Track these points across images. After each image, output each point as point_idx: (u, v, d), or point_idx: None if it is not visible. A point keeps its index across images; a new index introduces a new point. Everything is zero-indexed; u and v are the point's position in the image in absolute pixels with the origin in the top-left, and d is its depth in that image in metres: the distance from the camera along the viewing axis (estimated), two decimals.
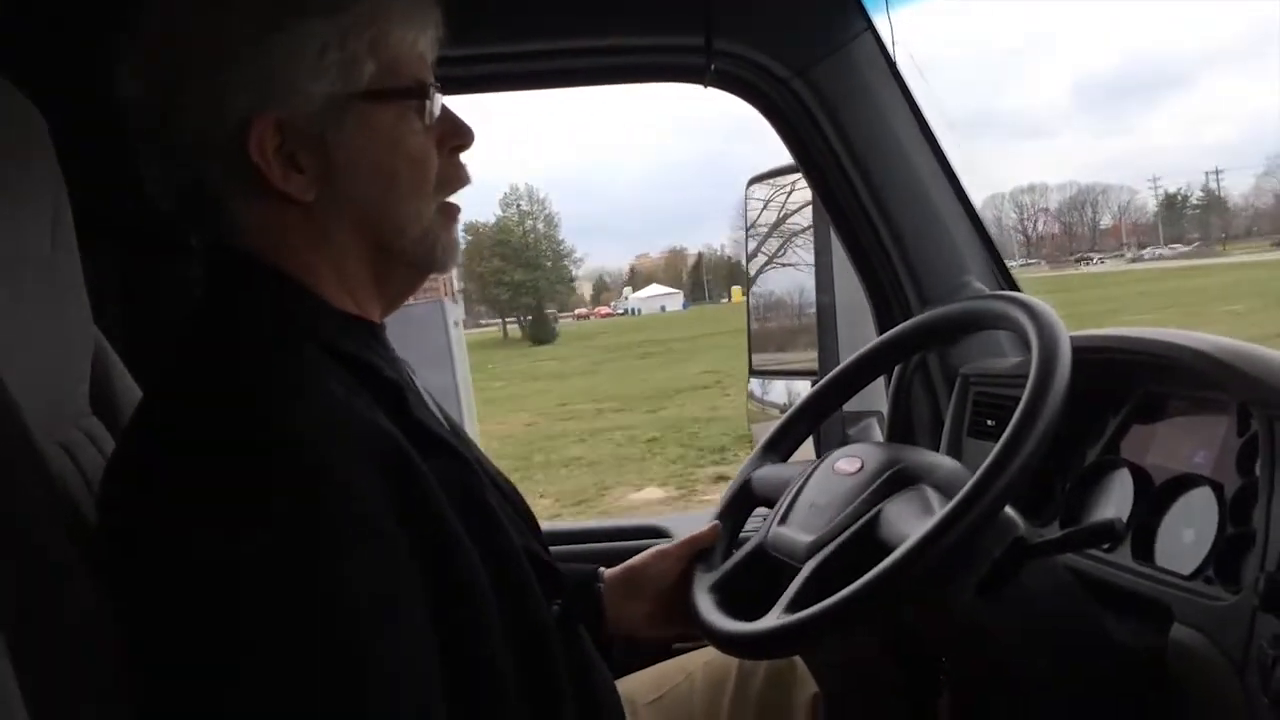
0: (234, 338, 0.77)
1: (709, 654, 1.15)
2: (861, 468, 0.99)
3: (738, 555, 1.06)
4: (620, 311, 55.27)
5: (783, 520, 1.03)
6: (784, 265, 2.62)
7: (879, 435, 1.61)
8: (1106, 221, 63.62)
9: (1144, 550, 1.01)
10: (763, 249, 2.78)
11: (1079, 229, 63.36)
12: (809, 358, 2.23)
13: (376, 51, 0.78)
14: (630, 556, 1.11)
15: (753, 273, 2.83)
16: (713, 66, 1.39)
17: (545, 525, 0.98)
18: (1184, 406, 1.06)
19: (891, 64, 1.40)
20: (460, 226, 0.92)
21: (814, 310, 2.17)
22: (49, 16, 1.26)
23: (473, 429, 8.37)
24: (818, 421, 1.22)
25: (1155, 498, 1.02)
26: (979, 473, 0.84)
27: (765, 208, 2.71)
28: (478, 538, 0.77)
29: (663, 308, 52.42)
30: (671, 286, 62.10)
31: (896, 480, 0.95)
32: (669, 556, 1.09)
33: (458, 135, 0.85)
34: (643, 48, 1.44)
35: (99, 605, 0.69)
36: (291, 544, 0.66)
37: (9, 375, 0.74)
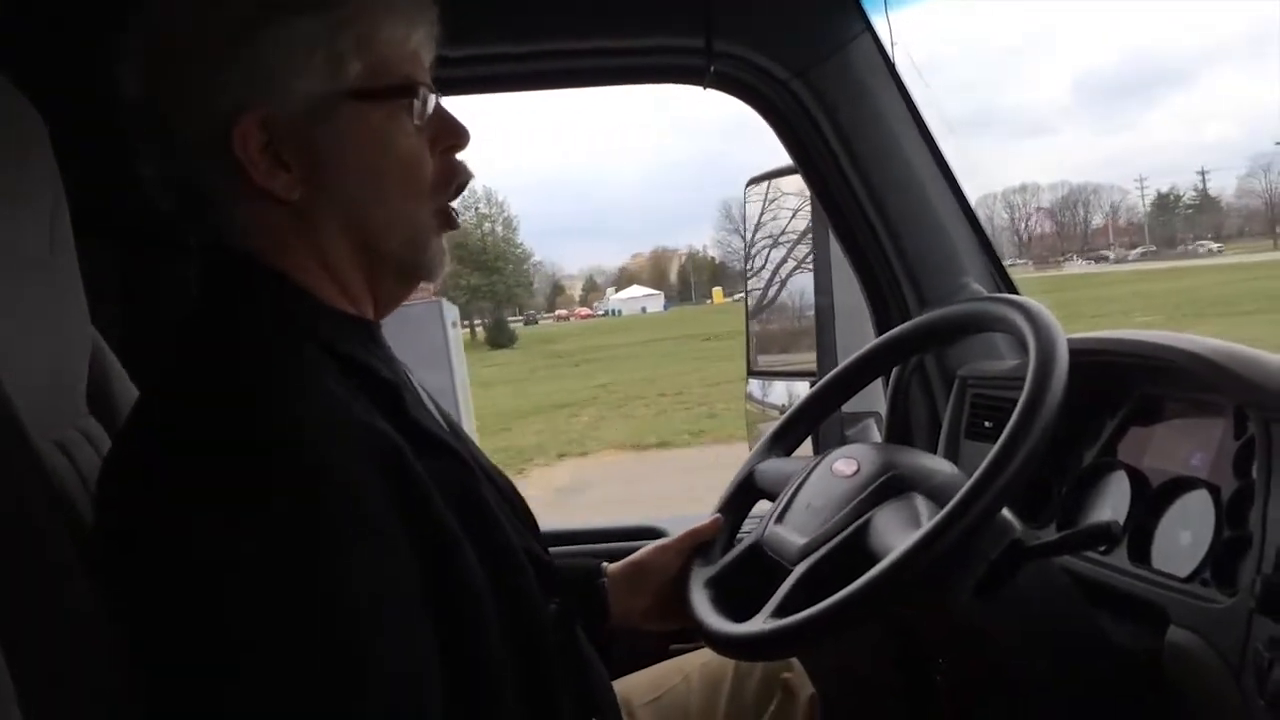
0: (233, 338, 0.76)
1: (706, 655, 1.16)
2: (858, 470, 0.99)
3: (734, 552, 1.06)
4: (602, 313, 55.03)
5: (779, 519, 1.03)
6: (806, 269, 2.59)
7: (877, 436, 1.61)
8: (1099, 221, 63.61)
9: (1141, 553, 1.01)
10: (770, 251, 2.77)
11: (1071, 229, 63.29)
12: (811, 359, 2.23)
13: (365, 49, 0.78)
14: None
15: (779, 274, 2.81)
16: (712, 68, 1.39)
17: (542, 526, 0.98)
18: (1181, 409, 1.06)
19: (890, 65, 1.41)
20: None
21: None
22: (48, 16, 1.26)
23: (471, 428, 8.37)
24: (819, 419, 1.23)
25: (1152, 500, 1.03)
26: (971, 481, 0.84)
27: (765, 209, 2.71)
28: (476, 537, 0.77)
29: (643, 309, 52.15)
30: (656, 288, 61.92)
31: (890, 486, 0.95)
32: (670, 551, 1.10)
33: (452, 135, 0.84)
34: (642, 49, 1.44)
35: (95, 605, 0.69)
36: (291, 542, 0.66)
37: (6, 375, 0.74)
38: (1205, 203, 59.67)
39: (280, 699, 0.64)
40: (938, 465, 0.99)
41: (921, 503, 0.93)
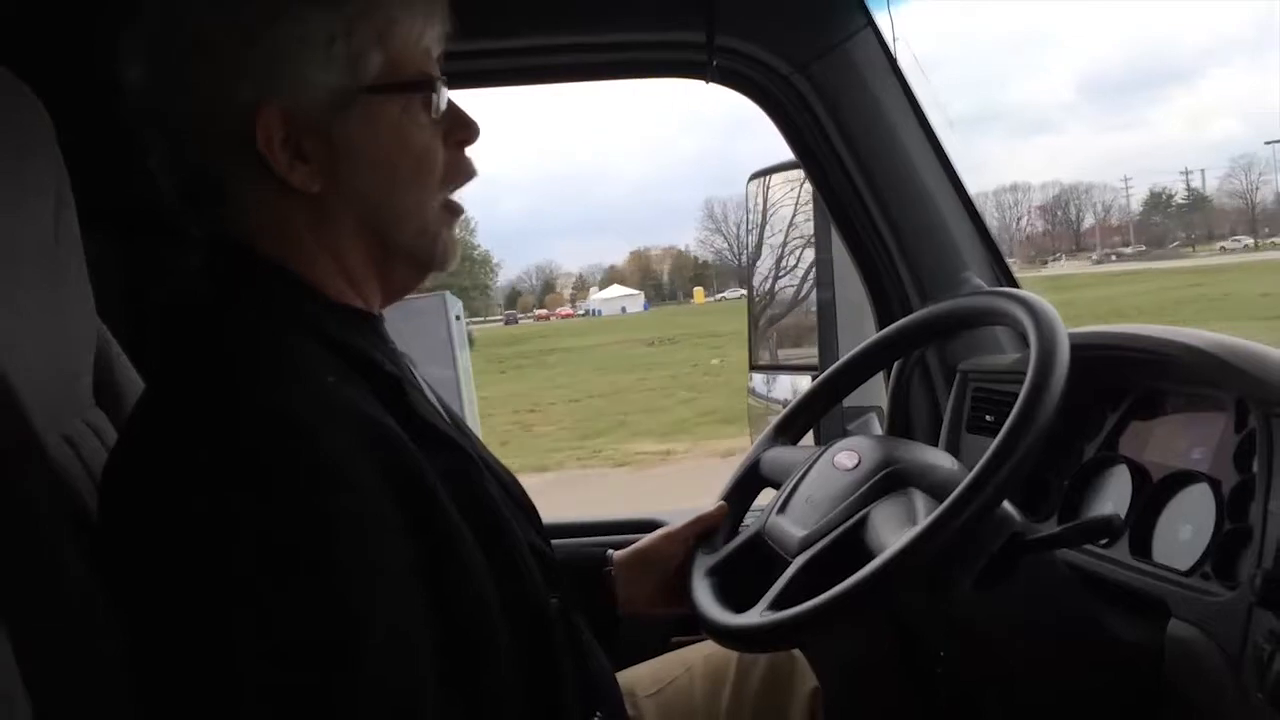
0: (234, 328, 0.77)
1: (709, 647, 1.16)
2: (859, 464, 1.00)
3: (737, 541, 1.07)
4: (582, 313, 54.55)
5: (781, 510, 1.04)
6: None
7: (879, 430, 1.61)
8: (1091, 220, 63.42)
9: (1141, 546, 1.02)
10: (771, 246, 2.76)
11: (1062, 229, 63.05)
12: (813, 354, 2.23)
13: (383, 44, 0.79)
14: None
15: (781, 269, 2.80)
16: (714, 62, 1.39)
17: (545, 519, 0.98)
18: (1182, 403, 1.06)
19: (892, 60, 1.41)
20: None
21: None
22: (52, 9, 1.26)
23: (474, 422, 8.36)
24: (823, 411, 1.23)
25: (1153, 494, 1.03)
26: (971, 475, 0.84)
27: (768, 203, 2.71)
28: (479, 530, 0.78)
29: (623, 309, 51.29)
30: (641, 287, 61.41)
31: (890, 481, 0.95)
32: (675, 538, 1.10)
33: (463, 129, 0.85)
34: (645, 44, 1.44)
35: (101, 596, 0.70)
36: (290, 527, 0.66)
37: (11, 368, 0.74)
38: (1196, 201, 59.47)
39: (280, 675, 0.65)
40: (938, 459, 0.99)
41: (920, 499, 0.93)
